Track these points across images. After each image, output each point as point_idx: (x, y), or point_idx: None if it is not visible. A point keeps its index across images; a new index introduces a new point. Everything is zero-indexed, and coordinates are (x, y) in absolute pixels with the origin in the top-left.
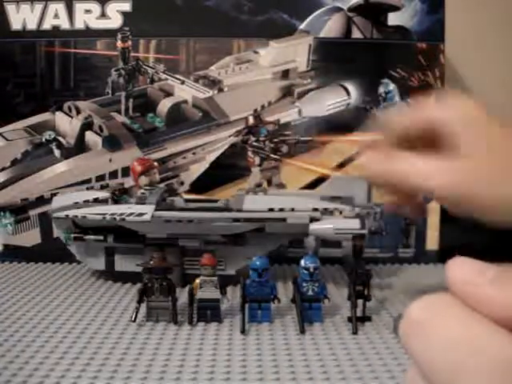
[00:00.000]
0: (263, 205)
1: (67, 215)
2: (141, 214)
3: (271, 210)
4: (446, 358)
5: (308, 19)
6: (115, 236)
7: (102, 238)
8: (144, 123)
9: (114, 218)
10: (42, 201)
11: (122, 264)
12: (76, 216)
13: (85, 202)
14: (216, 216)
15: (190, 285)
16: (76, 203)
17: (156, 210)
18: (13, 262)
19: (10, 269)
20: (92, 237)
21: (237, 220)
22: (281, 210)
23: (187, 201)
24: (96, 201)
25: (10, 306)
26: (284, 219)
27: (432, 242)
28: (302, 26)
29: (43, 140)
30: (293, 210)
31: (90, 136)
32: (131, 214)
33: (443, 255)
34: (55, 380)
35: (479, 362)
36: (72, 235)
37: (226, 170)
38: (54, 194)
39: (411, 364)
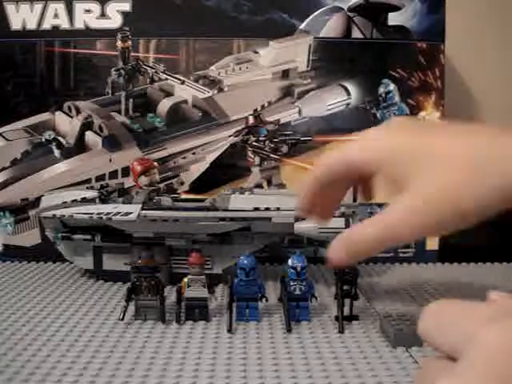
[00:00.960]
0: (249, 204)
1: (54, 214)
2: (127, 214)
3: (257, 209)
4: (455, 327)
5: (308, 19)
6: (102, 235)
7: (89, 237)
8: (144, 123)
9: (101, 218)
10: None
11: (110, 263)
12: (63, 215)
13: (73, 201)
14: (202, 215)
15: (178, 284)
16: (64, 203)
17: (142, 209)
18: (13, 262)
19: (10, 269)
20: (80, 236)
21: (223, 219)
22: (266, 209)
23: (175, 200)
24: (84, 200)
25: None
26: (269, 218)
27: (432, 242)
28: (302, 26)
29: (43, 140)
30: (278, 209)
31: (90, 136)
32: (117, 213)
33: (443, 255)
34: (40, 377)
35: (476, 325)
36: (60, 234)
37: (225, 169)
38: None
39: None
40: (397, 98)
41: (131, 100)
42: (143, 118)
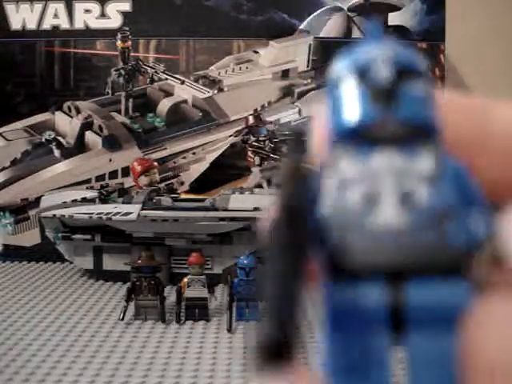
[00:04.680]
0: (249, 204)
1: (54, 215)
2: (127, 214)
3: (257, 209)
4: None
5: (308, 19)
6: (102, 235)
7: (89, 237)
8: (144, 123)
9: (101, 218)
10: None
11: (110, 263)
12: (63, 215)
13: (73, 201)
14: (202, 215)
15: (178, 284)
16: (64, 203)
17: (142, 209)
18: (13, 262)
19: (10, 269)
20: (80, 236)
21: (223, 219)
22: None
23: (175, 200)
24: (84, 200)
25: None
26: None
27: None
28: (302, 26)
29: (43, 140)
30: None
31: (89, 136)
32: (117, 213)
33: None
34: (40, 377)
35: None
36: (60, 234)
37: (225, 169)
38: None
39: None
40: None
41: (131, 100)
42: (143, 118)
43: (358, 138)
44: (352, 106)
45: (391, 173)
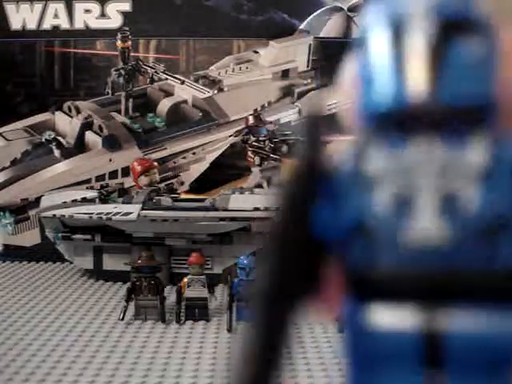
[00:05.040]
0: (249, 204)
1: (54, 215)
2: (127, 214)
3: (257, 209)
4: None
5: (308, 19)
6: (102, 235)
7: (89, 237)
8: (144, 123)
9: (101, 218)
10: None
11: (110, 263)
12: (63, 215)
13: (73, 201)
14: (202, 215)
15: (178, 284)
16: (64, 203)
17: (142, 209)
18: (13, 262)
19: (10, 269)
20: (80, 236)
21: (223, 219)
22: (266, 209)
23: (175, 200)
24: (84, 200)
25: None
26: (269, 218)
27: None
28: (302, 26)
29: (43, 140)
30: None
31: (89, 136)
32: (117, 213)
33: None
34: (40, 377)
35: None
36: (60, 234)
37: (225, 169)
38: None
39: None
40: None
41: (131, 100)
42: (143, 118)
43: (391, 123)
44: (383, 81)
45: (431, 168)
